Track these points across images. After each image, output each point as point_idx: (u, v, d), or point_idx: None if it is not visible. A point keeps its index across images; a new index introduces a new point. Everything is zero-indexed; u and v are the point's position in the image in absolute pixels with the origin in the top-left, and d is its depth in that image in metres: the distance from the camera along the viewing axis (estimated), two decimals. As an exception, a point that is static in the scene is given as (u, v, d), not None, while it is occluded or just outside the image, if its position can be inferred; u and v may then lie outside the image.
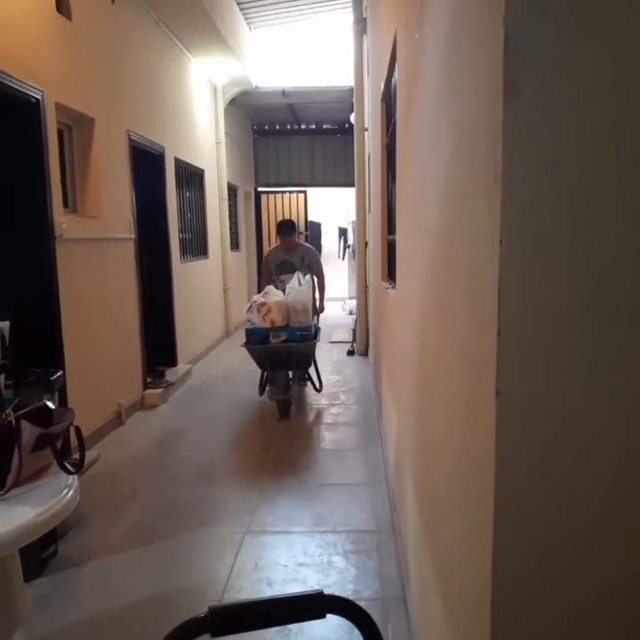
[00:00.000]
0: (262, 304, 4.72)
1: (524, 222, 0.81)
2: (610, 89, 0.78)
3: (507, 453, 0.84)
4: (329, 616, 0.81)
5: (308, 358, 5.03)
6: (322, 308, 5.65)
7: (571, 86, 0.79)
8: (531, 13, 0.78)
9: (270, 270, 5.58)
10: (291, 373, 5.02)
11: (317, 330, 5.19)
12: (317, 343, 5.04)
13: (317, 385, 5.34)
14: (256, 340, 4.75)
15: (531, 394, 0.83)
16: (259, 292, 5.43)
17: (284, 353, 4.74)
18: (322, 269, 5.66)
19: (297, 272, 5.24)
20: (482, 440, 0.92)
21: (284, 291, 5.09)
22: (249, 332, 4.80)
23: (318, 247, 14.46)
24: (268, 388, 5.10)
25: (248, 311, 4.77)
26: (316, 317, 5.26)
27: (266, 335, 4.72)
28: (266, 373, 5.10)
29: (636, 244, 0.80)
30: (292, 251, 5.53)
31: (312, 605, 0.80)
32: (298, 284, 4.96)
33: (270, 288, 5.04)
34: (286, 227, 5.58)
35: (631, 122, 0.78)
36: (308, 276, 5.09)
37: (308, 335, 4.79)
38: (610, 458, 0.83)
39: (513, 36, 0.79)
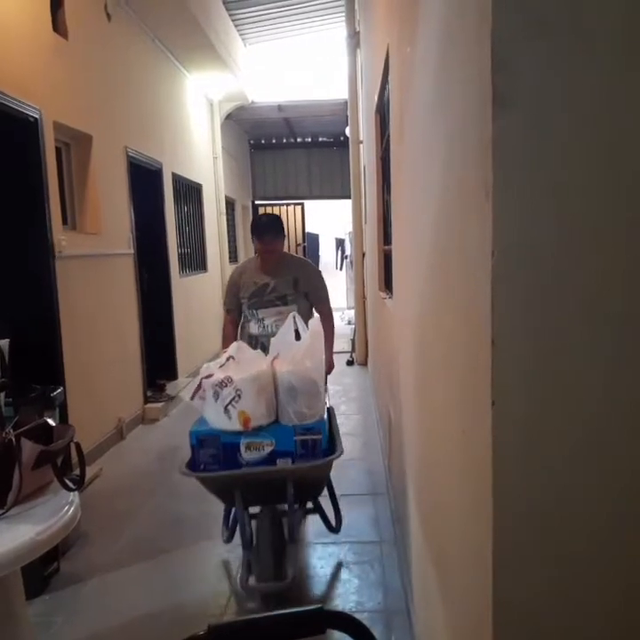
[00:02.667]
0: (223, 382, 2.25)
1: (515, 234, 0.82)
2: (599, 100, 0.79)
3: (503, 464, 0.84)
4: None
5: (319, 487, 2.62)
6: (330, 367, 3.16)
7: (559, 98, 0.80)
8: (518, 27, 0.80)
9: (237, 301, 3.26)
10: (285, 512, 2.46)
11: (331, 421, 2.52)
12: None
13: (334, 521, 2.79)
14: (211, 458, 2.27)
15: (526, 404, 0.83)
16: (223, 346, 3.09)
17: (271, 482, 2.28)
18: (327, 296, 3.33)
19: (284, 308, 3.10)
20: (478, 451, 0.92)
21: (264, 346, 2.93)
22: (197, 440, 2.29)
23: (316, 259, 14.46)
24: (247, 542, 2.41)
25: (195, 396, 2.33)
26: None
27: (233, 445, 2.25)
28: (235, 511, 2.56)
29: (629, 254, 0.81)
30: (277, 267, 3.19)
31: (312, 621, 0.80)
32: (294, 336, 2.58)
33: (240, 345, 2.58)
34: (268, 225, 3.21)
35: (621, 133, 0.79)
36: (314, 321, 2.60)
37: (319, 443, 2.27)
38: (608, 467, 0.84)
39: (501, 50, 0.81)
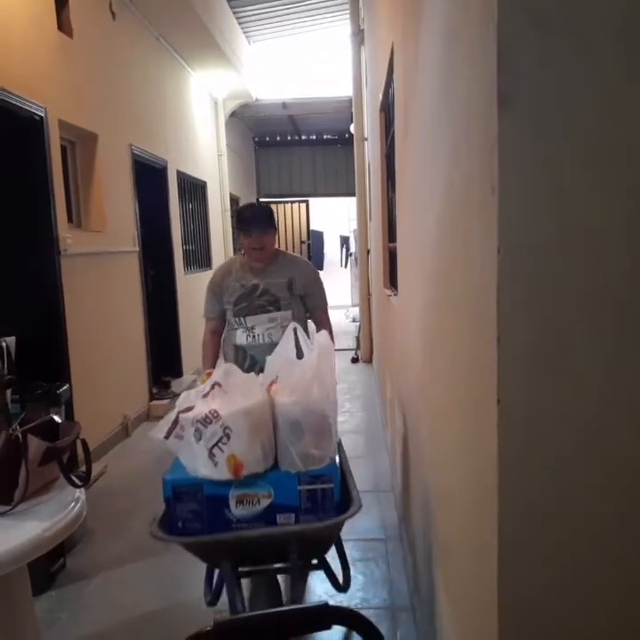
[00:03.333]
0: (207, 418, 1.74)
1: (520, 231, 0.82)
2: (603, 99, 0.79)
3: (508, 461, 0.84)
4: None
5: (328, 546, 2.05)
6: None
7: (564, 97, 0.80)
8: (523, 26, 0.80)
9: (220, 307, 2.81)
10: (283, 572, 2.06)
11: (342, 462, 1.96)
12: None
13: (341, 580, 2.21)
14: (192, 514, 1.75)
15: (531, 402, 0.83)
16: (204, 365, 2.85)
17: (270, 544, 1.79)
18: (326, 302, 2.92)
19: (277, 314, 2.71)
20: (483, 449, 0.92)
21: (254, 360, 2.67)
22: (174, 491, 1.76)
23: (320, 256, 14.43)
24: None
25: (170, 434, 1.79)
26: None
27: (220, 499, 1.73)
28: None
29: (634, 251, 0.81)
30: (268, 266, 2.76)
31: (317, 617, 0.81)
32: (293, 350, 1.99)
33: (228, 368, 1.92)
34: (255, 217, 2.76)
35: (624, 131, 0.79)
36: (322, 335, 2.01)
37: (331, 494, 1.76)
38: (613, 464, 0.84)
39: (506, 49, 0.80)
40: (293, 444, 1.74)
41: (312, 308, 2.86)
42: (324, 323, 2.84)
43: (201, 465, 1.72)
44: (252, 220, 2.73)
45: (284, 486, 1.73)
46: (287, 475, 1.75)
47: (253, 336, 2.74)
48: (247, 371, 2.44)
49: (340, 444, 2.03)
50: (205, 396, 1.79)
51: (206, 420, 1.71)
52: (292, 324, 2.05)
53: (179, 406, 1.80)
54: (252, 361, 2.70)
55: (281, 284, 2.75)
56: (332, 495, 1.73)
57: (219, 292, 2.81)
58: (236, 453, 1.69)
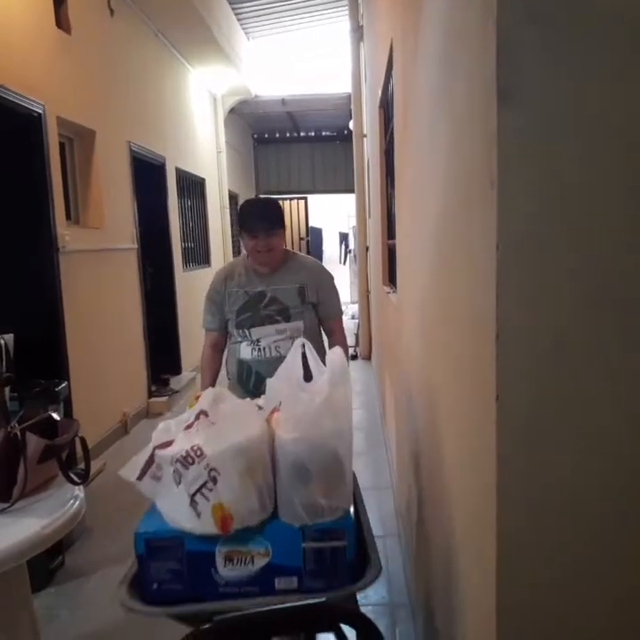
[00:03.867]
0: (188, 457, 1.37)
1: (520, 227, 0.81)
2: (603, 93, 0.79)
3: (507, 458, 0.84)
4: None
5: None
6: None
7: (564, 91, 0.79)
8: (523, 20, 0.79)
9: (221, 317, 2.49)
10: None
11: (357, 508, 1.57)
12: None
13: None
14: (170, 575, 1.37)
15: (530, 399, 0.83)
16: (203, 383, 2.54)
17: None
18: (341, 311, 2.67)
19: (286, 326, 2.39)
20: (483, 445, 0.92)
21: (260, 377, 2.37)
22: (148, 546, 1.37)
23: (319, 253, 14.42)
24: None
25: (144, 475, 1.43)
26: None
27: (204, 556, 1.36)
28: None
29: (634, 246, 0.81)
30: (276, 270, 2.45)
31: (317, 614, 0.81)
32: (299, 370, 1.61)
33: (218, 392, 1.57)
34: (262, 214, 2.40)
35: (625, 125, 0.79)
36: (334, 353, 1.51)
37: (343, 553, 1.35)
38: (612, 462, 0.83)
39: (505, 43, 0.80)
40: (297, 491, 1.41)
41: (324, 317, 2.52)
42: (336, 334, 2.55)
43: (181, 515, 1.38)
44: (258, 219, 2.35)
45: (284, 543, 1.38)
46: (289, 529, 1.39)
47: (259, 349, 2.40)
48: (253, 389, 2.34)
49: (354, 483, 1.62)
50: (188, 427, 1.45)
51: (187, 460, 1.36)
52: (300, 340, 1.70)
53: (155, 440, 1.46)
54: (257, 378, 2.39)
55: (291, 290, 2.41)
56: (344, 555, 1.36)
57: (219, 300, 2.46)
58: (223, 502, 1.35)
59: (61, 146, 4.17)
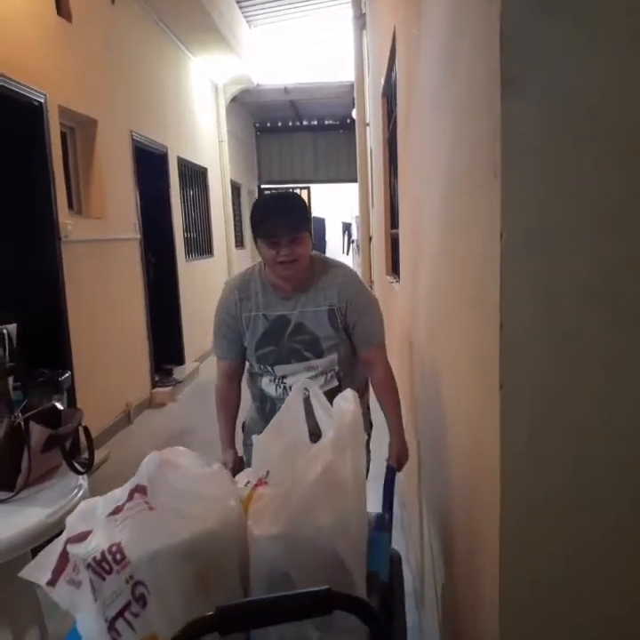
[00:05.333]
0: (104, 561, 0.88)
1: (524, 216, 0.81)
2: (608, 83, 0.78)
3: (511, 447, 0.84)
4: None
5: None
6: (399, 458, 1.88)
7: (568, 80, 0.79)
8: (527, 8, 0.78)
9: (238, 343, 1.91)
10: None
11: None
12: None
13: None
14: None
15: (534, 387, 0.83)
16: (224, 430, 1.97)
17: None
18: (382, 331, 1.90)
19: (317, 362, 1.85)
20: (486, 435, 0.92)
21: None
22: None
23: (322, 244, 14.37)
24: None
25: (59, 578, 0.98)
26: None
27: None
28: None
29: (636, 237, 0.80)
30: (302, 286, 1.85)
31: (319, 602, 0.81)
32: (301, 425, 1.22)
33: (167, 454, 1.13)
34: (284, 212, 1.76)
35: (629, 115, 0.78)
36: (345, 400, 1.16)
37: None
38: (616, 452, 0.83)
39: (509, 31, 0.79)
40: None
41: (360, 342, 1.87)
42: (377, 368, 1.88)
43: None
44: (278, 219, 1.75)
45: None
46: None
47: (284, 388, 1.87)
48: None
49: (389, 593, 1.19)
50: (116, 512, 0.99)
51: (102, 566, 0.89)
52: (304, 381, 1.33)
53: (70, 527, 1.02)
54: None
55: (320, 314, 1.83)
56: None
57: (235, 325, 1.88)
58: (159, 636, 0.87)
59: (63, 135, 4.16)
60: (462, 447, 1.22)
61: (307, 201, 12.87)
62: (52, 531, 1.42)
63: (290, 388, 1.82)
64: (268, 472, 1.07)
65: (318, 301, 1.84)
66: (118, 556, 0.88)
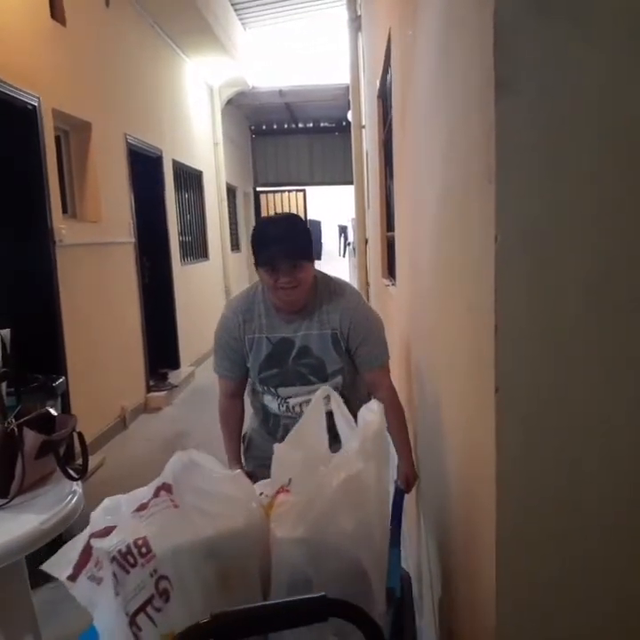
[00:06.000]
0: (130, 554, 0.92)
1: (518, 218, 0.81)
2: (603, 83, 0.78)
3: (507, 450, 0.83)
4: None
5: None
6: (408, 479, 1.85)
7: (563, 81, 0.78)
8: (522, 9, 0.78)
9: (242, 363, 1.88)
10: None
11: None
12: None
13: None
14: None
15: (530, 390, 0.82)
16: (230, 449, 1.95)
17: None
18: (382, 350, 1.87)
19: (321, 386, 1.52)
20: (483, 437, 0.91)
21: (288, 431, 1.40)
22: None
23: (318, 247, 14.37)
24: None
25: (79, 574, 1.01)
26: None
27: None
28: None
29: (633, 237, 0.80)
30: (305, 309, 1.81)
31: (315, 609, 0.80)
32: (322, 434, 1.26)
33: (191, 457, 1.05)
34: (285, 240, 1.70)
35: (625, 116, 0.78)
36: (369, 411, 1.19)
37: None
38: (613, 454, 0.83)
39: (503, 32, 0.79)
40: None
41: (363, 364, 1.84)
42: (381, 390, 1.82)
43: (118, 637, 0.94)
44: (278, 246, 1.69)
45: None
46: None
47: (287, 407, 1.88)
48: (280, 440, 1.59)
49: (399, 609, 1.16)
50: (141, 508, 1.01)
51: (127, 559, 0.91)
52: (325, 389, 1.33)
53: (93, 523, 1.07)
54: (284, 432, 1.80)
55: (324, 337, 1.80)
56: None
57: (238, 347, 1.85)
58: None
59: (57, 138, 4.15)
60: (459, 450, 1.21)
61: (302, 203, 12.89)
62: (47, 537, 1.41)
63: (292, 407, 1.85)
64: (289, 480, 1.07)
65: (322, 325, 1.81)
66: (144, 550, 0.90)
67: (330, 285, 1.87)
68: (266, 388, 1.88)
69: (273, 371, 1.83)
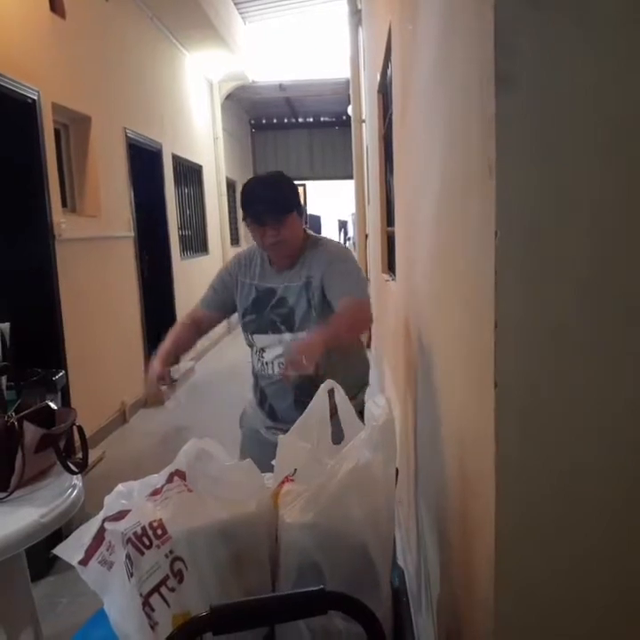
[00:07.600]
0: (145, 535, 0.95)
1: (518, 213, 0.80)
2: (603, 78, 0.78)
3: (505, 446, 0.84)
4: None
5: None
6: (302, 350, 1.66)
7: (563, 76, 0.78)
8: (521, 3, 0.78)
9: (226, 299, 2.05)
10: None
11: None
12: None
13: None
14: None
15: (529, 386, 0.83)
16: (162, 349, 2.05)
17: None
18: (353, 284, 1.88)
19: (288, 337, 1.88)
20: (481, 433, 0.91)
21: (264, 396, 1.99)
22: None
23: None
24: None
25: (91, 558, 1.05)
26: None
27: None
28: None
29: (633, 232, 0.80)
30: (294, 263, 1.92)
31: (314, 602, 0.80)
32: (325, 426, 1.27)
33: (202, 445, 1.08)
34: (265, 198, 1.84)
35: (625, 111, 0.78)
36: (374, 406, 1.13)
37: None
38: (612, 450, 0.83)
39: (504, 26, 0.78)
40: None
41: (332, 298, 1.82)
42: (339, 314, 1.77)
43: (131, 624, 0.96)
44: (261, 203, 1.81)
45: None
46: None
47: (263, 363, 1.94)
48: (269, 418, 1.96)
49: (396, 597, 1.19)
50: (155, 493, 1.03)
51: (142, 541, 0.94)
52: (328, 383, 1.28)
53: (107, 508, 1.09)
54: (262, 396, 1.99)
55: (300, 287, 1.87)
56: None
57: (229, 281, 2.00)
58: (191, 612, 0.89)
59: (56, 132, 4.13)
60: (457, 445, 1.21)
61: (302, 198, 12.84)
62: (47, 531, 1.42)
63: (266, 364, 1.93)
64: (295, 470, 1.10)
65: (300, 276, 1.90)
66: (159, 532, 0.93)
67: (317, 242, 1.97)
68: (247, 335, 1.98)
69: (252, 316, 1.95)
